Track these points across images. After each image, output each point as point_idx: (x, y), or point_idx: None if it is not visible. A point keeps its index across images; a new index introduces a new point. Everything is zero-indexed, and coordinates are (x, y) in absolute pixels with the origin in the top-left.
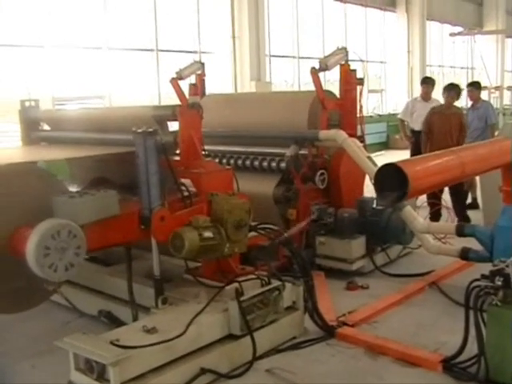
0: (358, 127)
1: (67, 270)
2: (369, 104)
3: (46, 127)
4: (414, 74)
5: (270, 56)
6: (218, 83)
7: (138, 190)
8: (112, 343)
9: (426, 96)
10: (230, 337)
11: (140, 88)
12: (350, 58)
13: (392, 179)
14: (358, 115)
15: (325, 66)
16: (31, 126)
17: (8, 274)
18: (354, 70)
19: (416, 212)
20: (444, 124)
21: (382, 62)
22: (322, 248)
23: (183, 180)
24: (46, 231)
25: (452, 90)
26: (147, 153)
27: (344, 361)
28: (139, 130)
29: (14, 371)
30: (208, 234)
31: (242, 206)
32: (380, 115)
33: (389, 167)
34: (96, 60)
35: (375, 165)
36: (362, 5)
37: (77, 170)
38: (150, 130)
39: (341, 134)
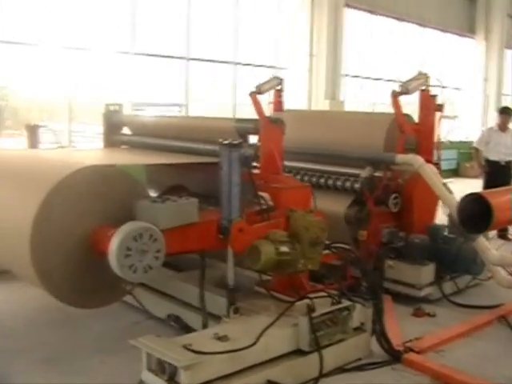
0: (435, 153)
1: (146, 272)
2: (442, 130)
3: (127, 131)
4: (490, 102)
5: (346, 75)
6: (292, 99)
7: (213, 199)
8: (185, 347)
9: (504, 126)
10: (298, 352)
11: (216, 99)
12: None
13: (474, 209)
14: (435, 141)
15: (406, 90)
16: (113, 129)
17: (88, 271)
18: (435, 96)
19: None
20: None
21: (457, 89)
22: (391, 272)
23: (262, 193)
24: (129, 233)
25: None
26: (231, 164)
27: None
28: (225, 142)
29: (84, 365)
30: (284, 248)
31: (318, 223)
32: (451, 142)
33: (473, 196)
34: (176, 69)
35: (450, 192)
36: (440, 29)
37: (157, 175)
38: (236, 142)
39: (418, 159)
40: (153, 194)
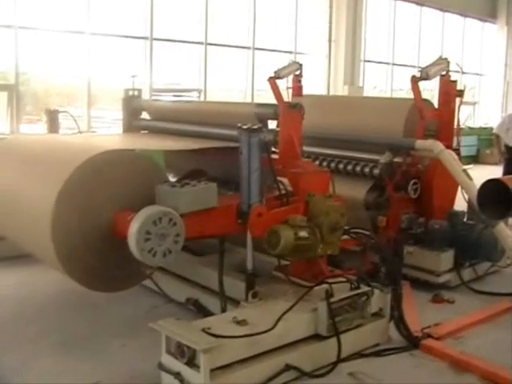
0: (455, 139)
1: (165, 256)
2: (461, 116)
3: (146, 116)
4: (510, 88)
5: (365, 61)
6: (311, 85)
7: (232, 184)
8: (204, 331)
9: None
10: (316, 337)
11: (234, 84)
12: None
13: (494, 195)
14: (455, 127)
15: (426, 76)
16: (133, 114)
17: (108, 255)
18: (455, 81)
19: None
20: None
21: (477, 74)
22: (410, 258)
23: (281, 179)
24: (149, 217)
25: None
26: (251, 149)
27: (427, 374)
28: (245, 127)
29: (104, 349)
30: (303, 233)
31: (338, 208)
32: (471, 128)
33: (493, 182)
34: (194, 54)
35: (470, 178)
36: (461, 14)
37: (176, 160)
38: (255, 127)
39: (438, 145)
40: (172, 178)
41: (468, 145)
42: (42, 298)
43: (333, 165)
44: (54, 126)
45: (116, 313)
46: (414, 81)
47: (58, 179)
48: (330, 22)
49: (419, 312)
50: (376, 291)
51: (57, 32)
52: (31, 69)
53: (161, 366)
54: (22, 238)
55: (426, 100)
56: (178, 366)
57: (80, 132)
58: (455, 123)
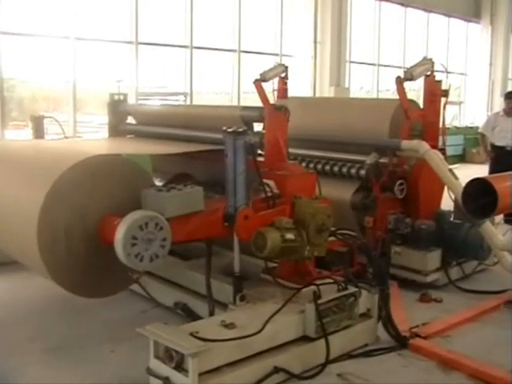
0: (440, 139)
1: (152, 261)
2: (447, 116)
3: (132, 121)
4: (495, 88)
5: (350, 62)
6: (297, 87)
7: (219, 187)
8: (192, 335)
9: (510, 111)
10: (304, 338)
11: (219, 87)
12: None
13: (479, 194)
14: (440, 127)
15: (410, 76)
16: (119, 119)
17: (95, 260)
18: (440, 81)
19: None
20: None
21: (462, 74)
22: (397, 258)
23: (267, 181)
24: (135, 222)
25: None
26: (236, 152)
27: (416, 373)
28: (230, 130)
29: (93, 354)
30: (290, 235)
31: (324, 210)
32: (457, 127)
33: (478, 182)
34: (180, 57)
35: (456, 178)
36: (445, 15)
37: (162, 164)
38: (240, 130)
39: (423, 145)
40: (158, 182)
41: (454, 144)
42: (29, 305)
43: (319, 166)
44: (39, 131)
45: (104, 318)
46: (399, 81)
47: (43, 185)
48: (315, 24)
49: (407, 312)
50: (364, 292)
51: (42, 37)
52: (17, 74)
53: (149, 371)
54: (8, 245)
55: (411, 100)
56: (166, 370)
57: (66, 137)
58: (441, 123)
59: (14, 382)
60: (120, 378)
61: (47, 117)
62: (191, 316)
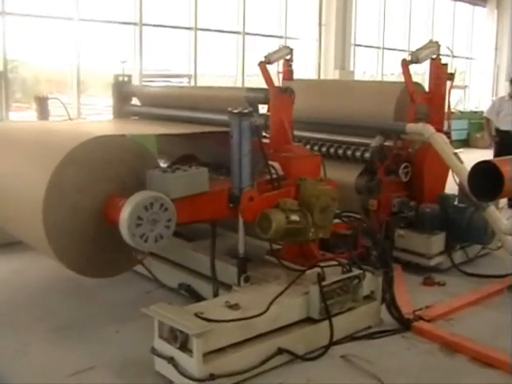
0: (445, 122)
1: (157, 242)
2: (452, 100)
3: (137, 102)
4: (500, 72)
5: (355, 45)
6: (301, 70)
7: (224, 169)
8: (196, 315)
9: None
10: (308, 320)
11: (224, 69)
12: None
13: (485, 177)
14: (445, 110)
15: (416, 59)
16: (123, 100)
17: (100, 241)
18: (446, 65)
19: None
20: None
21: (467, 58)
22: (401, 241)
23: (272, 163)
24: (140, 202)
25: None
26: (241, 133)
27: (419, 355)
28: (235, 111)
29: (98, 334)
30: (295, 217)
31: (329, 192)
32: (462, 112)
33: (483, 164)
34: (184, 39)
35: (461, 162)
36: None
37: (166, 145)
38: (246, 111)
39: (428, 129)
40: (163, 163)
41: (459, 129)
42: (34, 285)
43: (324, 149)
44: (43, 113)
45: (108, 299)
46: (405, 64)
47: (48, 165)
48: (320, 6)
49: (411, 294)
50: (368, 274)
51: (45, 18)
52: (20, 56)
53: (154, 351)
54: (14, 225)
55: (416, 83)
56: (170, 350)
57: (70, 119)
58: (446, 107)
59: (17, 361)
60: (124, 358)
61: (52, 98)
62: (195, 297)
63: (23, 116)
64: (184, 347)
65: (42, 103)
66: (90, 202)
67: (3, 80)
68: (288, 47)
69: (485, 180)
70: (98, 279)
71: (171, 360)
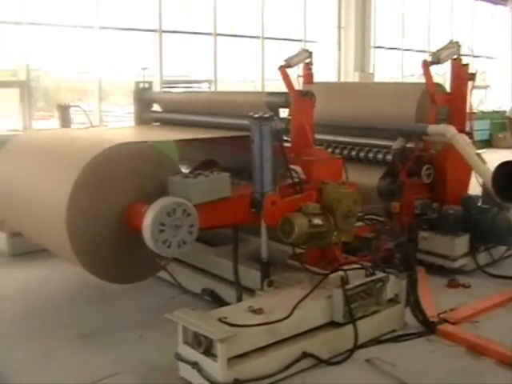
0: (467, 123)
1: (180, 247)
2: (473, 100)
3: (158, 108)
4: None
5: (375, 47)
6: (321, 73)
7: (245, 174)
8: (220, 320)
9: None
10: (332, 324)
11: (244, 74)
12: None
13: (508, 177)
14: (467, 111)
15: (437, 60)
16: (144, 106)
17: (123, 247)
18: (466, 65)
19: None
20: None
21: (488, 58)
22: (424, 243)
23: (293, 167)
24: (163, 208)
25: None
26: (262, 138)
27: (444, 358)
28: (256, 116)
29: (122, 340)
30: (317, 221)
31: (351, 195)
32: (483, 112)
33: (507, 165)
34: (204, 45)
35: (484, 162)
36: None
37: (188, 151)
38: (267, 115)
39: (450, 130)
40: (185, 169)
41: (480, 129)
42: (59, 292)
43: (345, 152)
44: (66, 120)
45: (132, 304)
46: (426, 65)
47: (72, 172)
48: (339, 8)
49: (435, 297)
50: (391, 277)
51: (66, 27)
52: (42, 65)
53: (178, 357)
54: (38, 233)
55: (437, 84)
56: (195, 355)
57: (92, 126)
58: (467, 107)
59: (43, 368)
60: (149, 364)
61: (73, 106)
62: (219, 302)
63: (46, 124)
64: (208, 352)
65: (64, 111)
66: (112, 208)
67: (26, 89)
68: (307, 50)
69: (508, 180)
70: (122, 285)
71: (195, 365)
